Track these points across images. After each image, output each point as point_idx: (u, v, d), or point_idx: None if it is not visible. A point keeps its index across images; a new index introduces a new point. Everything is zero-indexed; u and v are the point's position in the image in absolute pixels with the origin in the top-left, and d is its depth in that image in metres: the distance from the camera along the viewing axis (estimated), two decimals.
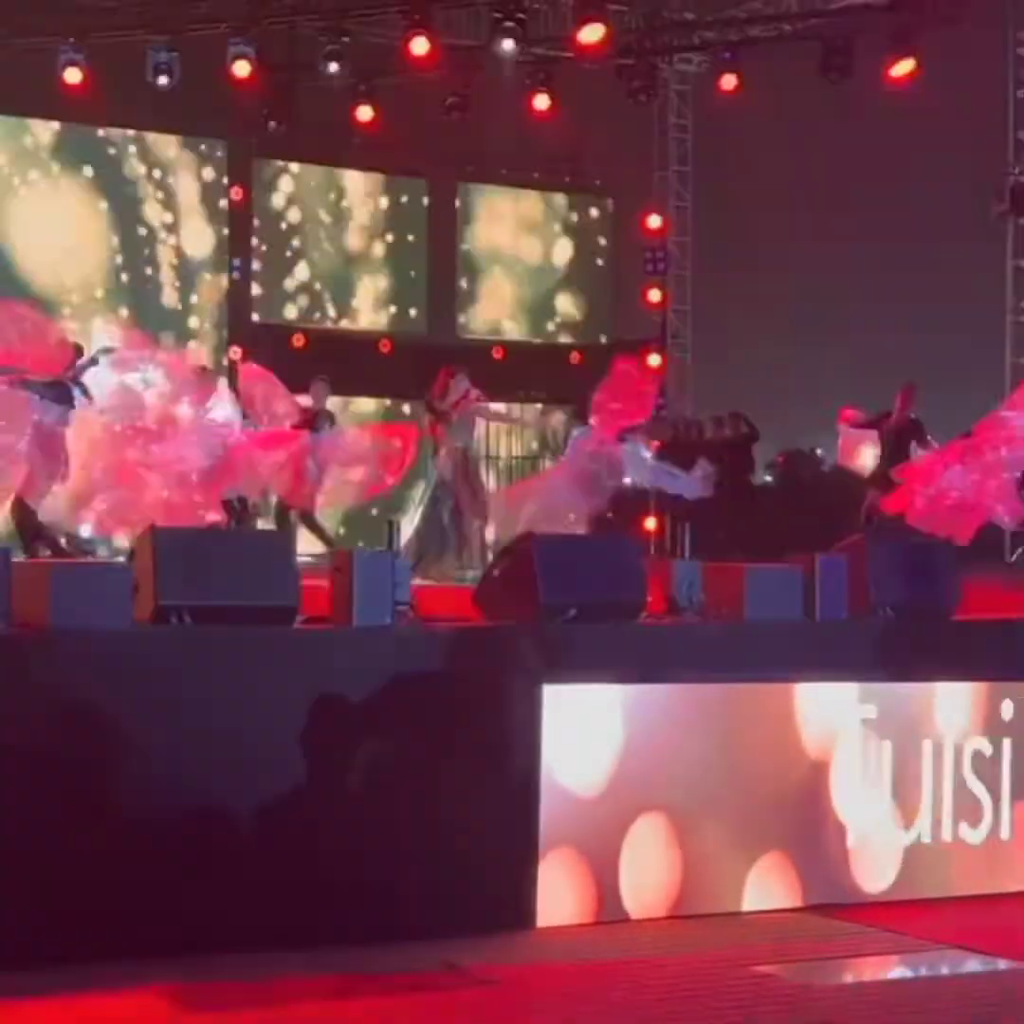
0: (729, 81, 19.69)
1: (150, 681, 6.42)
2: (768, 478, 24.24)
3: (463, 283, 23.22)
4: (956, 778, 7.65)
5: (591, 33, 18.09)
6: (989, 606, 9.39)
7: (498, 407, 15.20)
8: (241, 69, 18.06)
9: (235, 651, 6.61)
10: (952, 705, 7.66)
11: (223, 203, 21.36)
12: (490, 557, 11.11)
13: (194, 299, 21.26)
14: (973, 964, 6.61)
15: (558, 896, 6.92)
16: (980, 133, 22.70)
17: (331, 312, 22.29)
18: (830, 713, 7.37)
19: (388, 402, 22.22)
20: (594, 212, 24.26)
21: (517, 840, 6.87)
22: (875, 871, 7.48)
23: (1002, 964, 6.53)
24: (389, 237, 22.65)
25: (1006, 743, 7.75)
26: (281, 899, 6.48)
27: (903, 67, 18.49)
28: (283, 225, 21.93)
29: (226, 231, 21.39)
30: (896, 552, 8.43)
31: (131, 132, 20.85)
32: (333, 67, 18.65)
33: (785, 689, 7.27)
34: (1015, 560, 21.09)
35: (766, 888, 7.25)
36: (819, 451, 25.65)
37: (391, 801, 6.75)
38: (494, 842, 6.87)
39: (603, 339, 24.09)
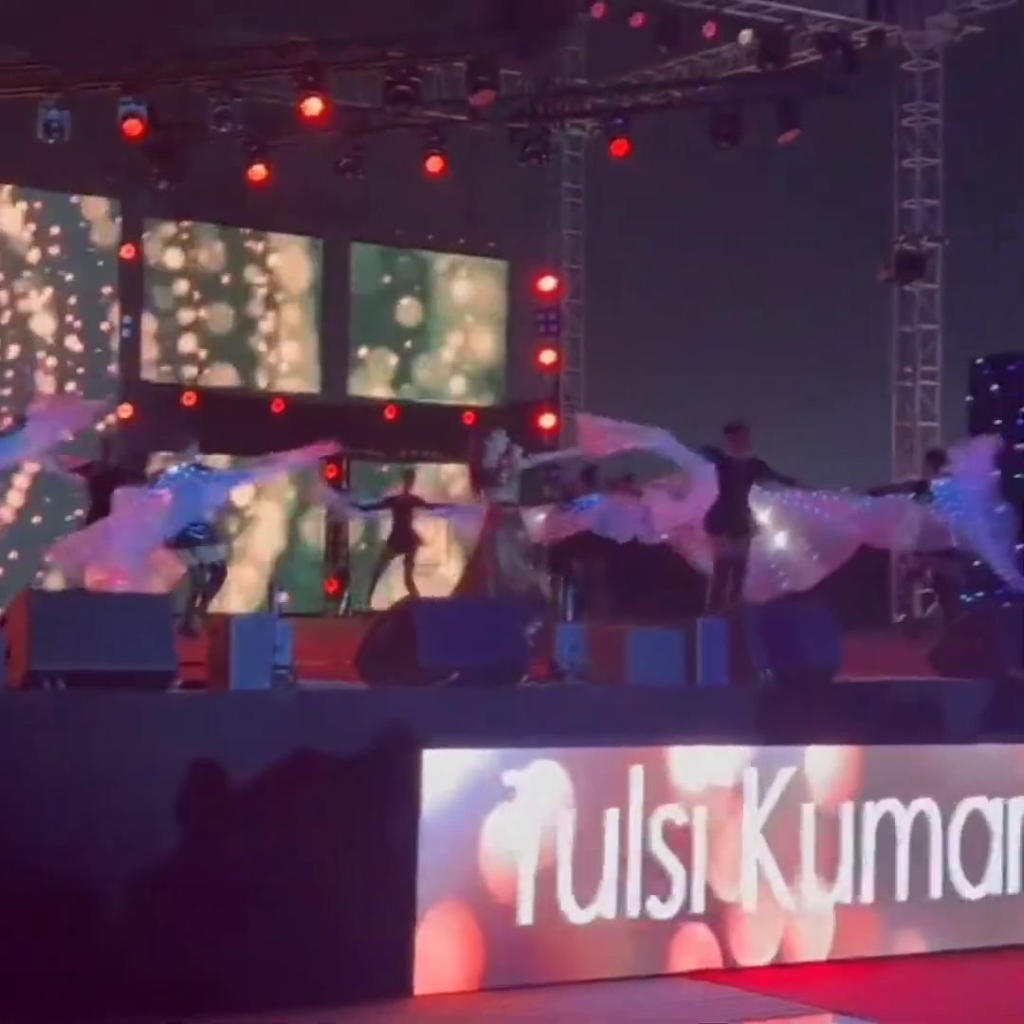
0: (620, 146, 19.92)
1: (22, 747, 6.32)
2: (664, 536, 24.29)
3: (356, 343, 23.22)
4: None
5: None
6: (875, 667, 9.47)
7: (544, 457, 14.84)
8: (133, 127, 18.01)
9: (110, 717, 6.52)
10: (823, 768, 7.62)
11: (114, 261, 21.24)
12: None
13: (87, 357, 21.10)
14: None
15: (437, 963, 6.85)
16: (867, 200, 23.11)
17: (224, 371, 22.20)
18: (703, 776, 7.35)
19: None
20: (488, 274, 24.38)
21: (396, 907, 6.80)
22: (755, 937, 7.46)
23: None
24: (281, 296, 22.63)
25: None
26: (157, 967, 6.38)
27: (790, 135, 18.80)
28: (175, 283, 21.84)
29: (116, 289, 21.27)
30: (775, 615, 8.48)
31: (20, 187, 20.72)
32: (226, 126, 18.65)
33: (661, 752, 7.25)
34: (902, 621, 21.34)
35: (647, 952, 7.21)
36: None
37: (269, 866, 6.67)
38: (373, 909, 6.80)
39: (497, 399, 24.19)
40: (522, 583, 11.40)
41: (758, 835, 7.40)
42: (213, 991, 6.43)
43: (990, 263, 23.33)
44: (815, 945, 7.56)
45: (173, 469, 14.10)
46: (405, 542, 18.78)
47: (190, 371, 21.94)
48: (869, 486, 14.42)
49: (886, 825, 7.66)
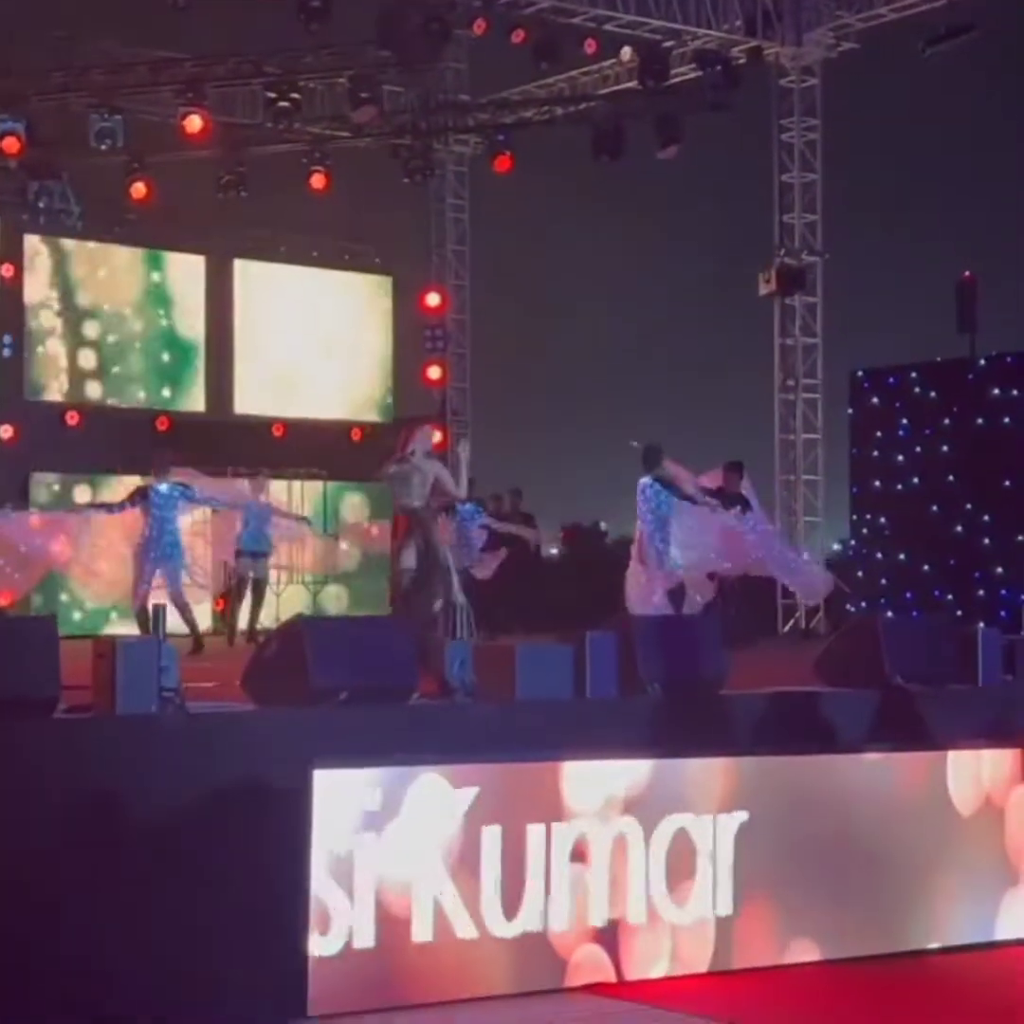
0: (503, 162, 20.01)
1: None
2: (554, 551, 24.48)
3: (241, 359, 23.07)
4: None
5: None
6: (761, 679, 9.56)
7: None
8: (10, 145, 17.83)
9: None
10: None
11: None
12: None
13: None
14: None
15: (331, 984, 6.82)
16: (747, 215, 23.39)
17: (107, 389, 21.97)
18: (593, 791, 7.37)
19: None
20: (373, 290, 24.34)
21: (288, 928, 6.76)
22: (647, 951, 7.49)
23: None
24: (165, 313, 22.44)
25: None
26: (39, 992, 6.30)
27: (670, 150, 18.96)
28: (56, 302, 21.60)
29: None
30: (662, 628, 8.54)
31: None
32: (106, 144, 18.51)
33: (553, 768, 7.27)
34: (788, 632, 21.59)
35: (536, 968, 7.22)
36: (603, 525, 25.95)
37: (158, 890, 6.61)
38: (265, 931, 6.76)
39: (384, 416, 24.14)
40: (420, 593, 11.29)
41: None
42: (105, 1012, 6.37)
43: (869, 276, 23.69)
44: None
45: (162, 487, 14.33)
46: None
47: (73, 390, 21.69)
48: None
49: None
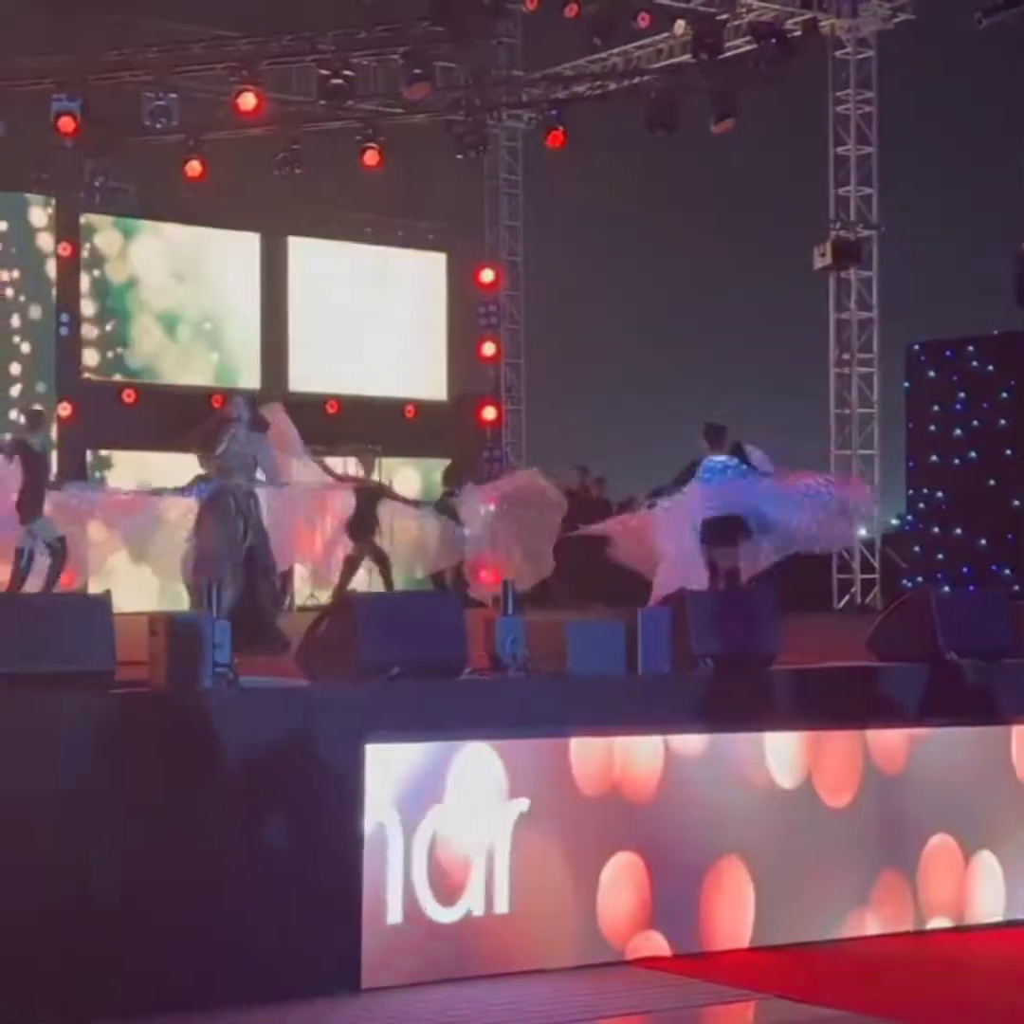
0: (556, 138, 19.96)
1: None
2: None
3: (296, 337, 23.15)
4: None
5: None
6: (816, 653, 9.53)
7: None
8: (66, 124, 17.93)
9: (49, 717, 6.49)
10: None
11: (51, 259, 21.11)
12: None
13: (24, 355, 20.97)
14: (789, 1013, 6.66)
15: (384, 957, 6.88)
16: (802, 188, 23.26)
17: (163, 368, 22.10)
18: (645, 766, 7.39)
19: None
20: (427, 267, 24.36)
21: (341, 902, 6.82)
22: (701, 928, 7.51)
23: (812, 1011, 6.59)
24: (220, 290, 22.54)
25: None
26: (96, 967, 6.37)
27: (725, 124, 18.86)
28: (112, 280, 21.73)
29: (55, 287, 21.15)
30: (716, 603, 8.52)
31: None
32: (161, 122, 18.60)
33: (608, 742, 7.30)
34: (843, 607, 21.50)
35: (582, 942, 7.25)
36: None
37: (212, 865, 6.67)
38: (318, 905, 6.81)
39: (438, 393, 24.18)
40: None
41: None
42: (158, 986, 6.43)
43: (926, 249, 23.51)
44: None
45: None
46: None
47: (129, 368, 21.83)
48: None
49: None
